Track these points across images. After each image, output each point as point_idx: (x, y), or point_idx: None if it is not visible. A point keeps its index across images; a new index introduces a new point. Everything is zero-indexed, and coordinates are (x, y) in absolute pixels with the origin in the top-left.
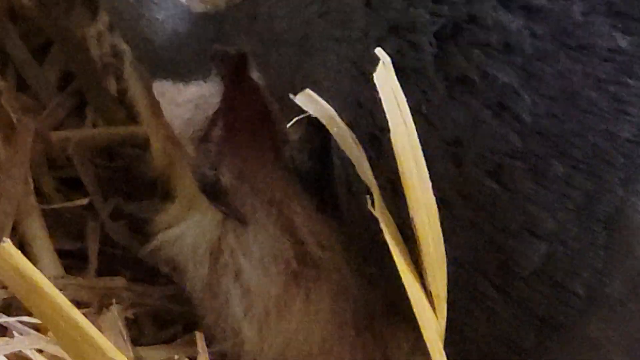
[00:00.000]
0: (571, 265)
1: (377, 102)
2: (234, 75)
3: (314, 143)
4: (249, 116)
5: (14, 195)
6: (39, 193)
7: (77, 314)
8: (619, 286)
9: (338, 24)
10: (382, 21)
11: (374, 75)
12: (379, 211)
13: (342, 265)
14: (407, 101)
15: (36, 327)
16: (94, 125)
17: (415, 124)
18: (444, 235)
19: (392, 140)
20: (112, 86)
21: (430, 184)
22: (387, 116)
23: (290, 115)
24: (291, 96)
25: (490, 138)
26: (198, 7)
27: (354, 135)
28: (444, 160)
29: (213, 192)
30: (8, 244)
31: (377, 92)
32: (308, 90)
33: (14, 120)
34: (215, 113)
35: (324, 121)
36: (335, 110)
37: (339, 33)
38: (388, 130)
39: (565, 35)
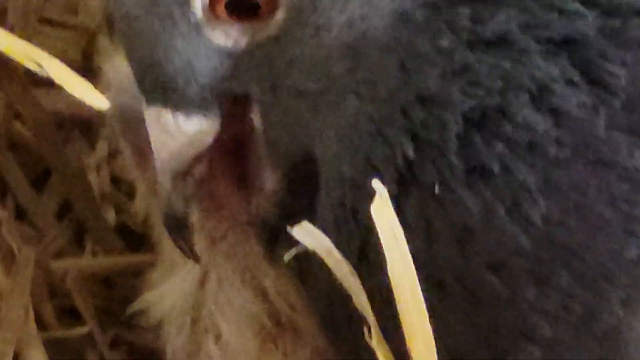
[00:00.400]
0: None
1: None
2: (233, 115)
3: (287, 198)
4: (232, 161)
5: (14, 323)
6: (39, 321)
7: None
8: None
9: (365, 81)
10: (413, 88)
11: (371, 207)
12: (377, 344)
13: (313, 327)
14: (422, 176)
15: None
16: (93, 254)
17: (425, 202)
18: (438, 319)
19: (389, 273)
20: (110, 215)
21: (427, 316)
22: (384, 249)
23: (279, 167)
24: (288, 228)
25: (500, 233)
26: (220, 40)
27: (351, 268)
28: (449, 244)
29: (177, 227)
30: None
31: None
32: (305, 222)
33: (14, 250)
34: (204, 150)
35: (320, 253)
36: (343, 165)
37: (364, 90)
38: None
39: (586, 148)
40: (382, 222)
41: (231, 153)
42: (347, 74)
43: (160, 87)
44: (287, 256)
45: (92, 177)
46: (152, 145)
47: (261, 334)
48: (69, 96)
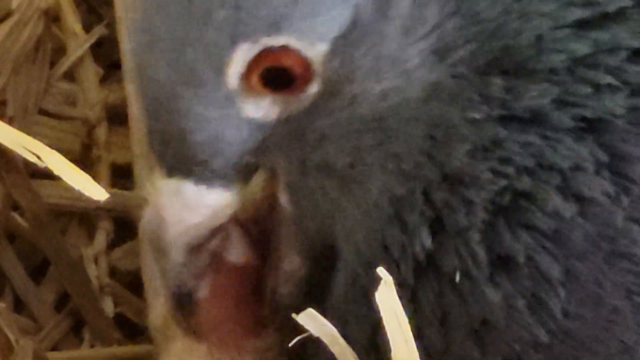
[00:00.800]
0: None
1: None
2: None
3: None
4: (251, 242)
5: None
6: None
7: None
8: None
9: (392, 155)
10: (439, 163)
11: (376, 294)
12: None
13: None
14: (441, 264)
15: None
16: (91, 346)
17: (443, 292)
18: None
19: (393, 358)
20: (108, 307)
21: None
22: (389, 336)
23: (303, 247)
24: (293, 315)
25: (519, 327)
26: (252, 112)
27: (355, 355)
28: (466, 335)
29: (183, 302)
30: None
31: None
32: (310, 310)
33: (12, 341)
34: (221, 225)
35: (325, 340)
36: (361, 245)
37: (390, 165)
38: None
39: (605, 238)
40: (387, 309)
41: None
42: (375, 147)
43: (184, 158)
44: (292, 343)
45: (90, 269)
46: (166, 217)
47: None
48: (67, 188)
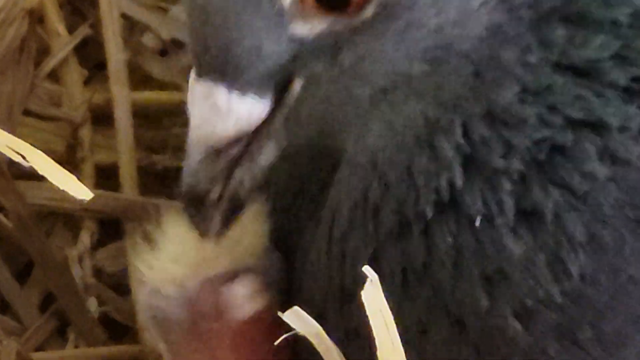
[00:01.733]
0: None
1: None
2: None
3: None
4: None
5: None
6: None
7: None
8: None
9: (435, 86)
10: (484, 100)
11: (362, 293)
12: None
13: None
14: (465, 205)
15: None
16: (76, 347)
17: (460, 233)
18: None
19: (379, 357)
20: (93, 307)
21: None
22: (375, 335)
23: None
24: (279, 313)
25: (534, 282)
26: (299, 30)
27: (340, 353)
28: (478, 281)
29: (196, 202)
30: None
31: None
32: (296, 308)
33: None
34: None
35: (310, 338)
36: (385, 164)
37: (431, 94)
38: None
39: (631, 204)
40: (373, 308)
41: None
42: (421, 77)
43: (222, 63)
44: (278, 341)
45: (75, 269)
46: (192, 117)
47: None
48: (52, 188)
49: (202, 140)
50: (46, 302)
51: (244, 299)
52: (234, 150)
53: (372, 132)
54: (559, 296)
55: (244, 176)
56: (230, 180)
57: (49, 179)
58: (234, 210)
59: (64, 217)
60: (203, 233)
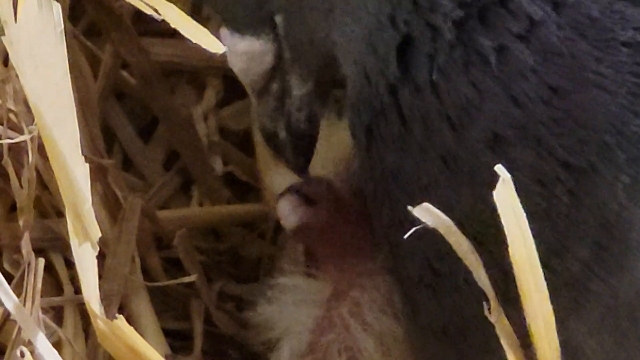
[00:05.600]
0: None
1: None
2: None
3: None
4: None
5: (121, 273)
6: (145, 272)
7: None
8: None
9: None
10: None
11: (494, 193)
12: (496, 318)
13: None
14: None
15: None
16: (200, 205)
17: (421, 94)
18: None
19: (511, 256)
20: (218, 165)
21: (548, 296)
22: (507, 233)
23: (304, 70)
24: (409, 208)
25: (495, 110)
26: None
27: (471, 245)
28: (444, 129)
29: (272, 142)
30: (121, 320)
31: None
32: (426, 204)
33: (120, 199)
34: (271, 70)
35: (441, 231)
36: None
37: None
38: None
39: (583, 25)
40: (505, 207)
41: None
42: None
43: (221, 10)
44: (407, 234)
45: (200, 127)
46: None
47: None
48: (177, 45)
49: (243, 80)
50: (170, 159)
51: (286, 212)
52: (273, 88)
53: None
54: (521, 115)
55: (291, 109)
56: (285, 116)
57: (182, 32)
58: (303, 142)
59: (188, 74)
60: (290, 167)
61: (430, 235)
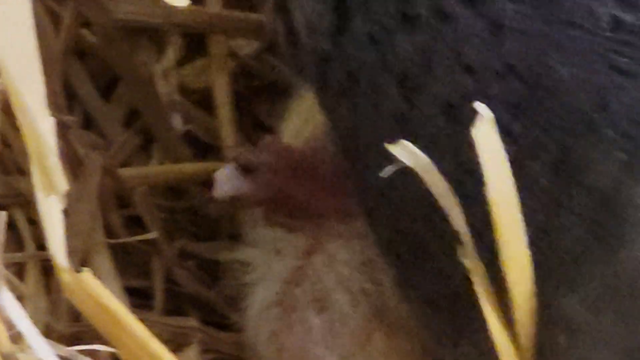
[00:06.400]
0: None
1: None
2: None
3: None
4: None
5: (82, 230)
6: (106, 229)
7: (159, 347)
8: None
9: None
10: None
11: (473, 130)
12: (470, 261)
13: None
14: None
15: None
16: (160, 163)
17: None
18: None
19: (489, 195)
20: (178, 124)
21: (525, 241)
22: (485, 172)
23: None
24: (386, 145)
25: (443, 77)
26: None
27: (449, 186)
28: (394, 93)
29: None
30: (86, 273)
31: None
32: (404, 141)
33: (81, 156)
34: None
35: (419, 171)
36: None
37: None
38: None
39: None
40: (485, 145)
41: None
42: None
43: None
44: (384, 174)
45: (160, 85)
46: None
47: (371, 318)
48: (138, 2)
49: None
50: (131, 118)
51: (219, 182)
52: None
53: None
54: (473, 85)
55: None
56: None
57: None
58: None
59: (149, 32)
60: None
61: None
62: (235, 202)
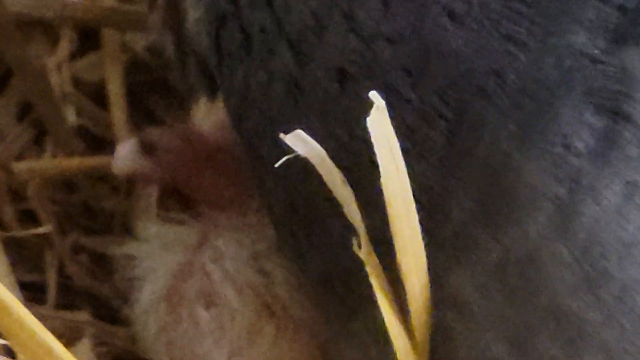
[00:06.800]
0: None
1: None
2: None
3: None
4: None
5: None
6: None
7: (53, 341)
8: None
9: None
10: None
11: (367, 119)
12: (365, 254)
13: (309, 322)
14: None
15: (7, 350)
16: (54, 156)
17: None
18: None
19: (383, 185)
20: (71, 117)
21: (419, 230)
22: (379, 162)
23: None
24: (281, 135)
25: (335, 41)
26: None
27: (342, 176)
28: (287, 52)
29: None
30: None
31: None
32: (299, 131)
33: None
34: None
35: (313, 161)
36: None
37: None
38: None
39: None
40: (379, 135)
41: None
42: None
43: None
44: (279, 163)
45: (53, 78)
46: None
47: (260, 312)
48: None
49: None
50: (24, 111)
51: (118, 156)
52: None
53: None
54: (363, 47)
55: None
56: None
57: None
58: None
59: (43, 25)
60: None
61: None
62: (131, 178)
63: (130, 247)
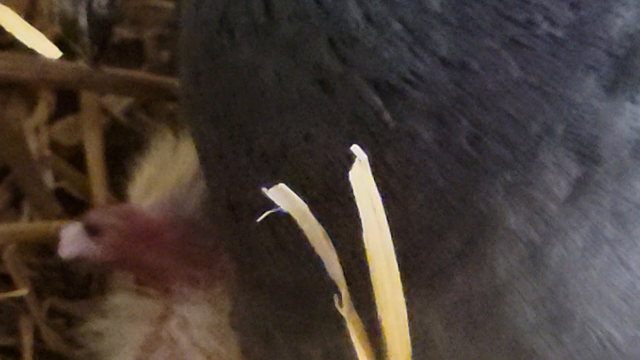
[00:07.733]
0: None
1: None
2: None
3: None
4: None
5: None
6: None
7: None
8: None
9: None
10: None
11: (350, 173)
12: (347, 312)
13: None
14: None
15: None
16: (31, 220)
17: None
18: None
19: (365, 240)
20: (49, 180)
21: (401, 286)
22: (361, 216)
23: None
24: (263, 189)
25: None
26: None
27: (325, 232)
28: (326, 52)
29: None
30: None
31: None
32: (282, 185)
33: None
34: None
35: (295, 216)
36: None
37: None
38: None
39: None
40: (360, 188)
41: None
42: None
43: None
44: (261, 218)
45: (31, 141)
46: None
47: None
48: (8, 57)
49: None
50: (1, 173)
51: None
52: None
53: None
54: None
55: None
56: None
57: (17, 36)
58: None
59: (20, 87)
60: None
61: None
62: (81, 262)
63: (93, 323)
